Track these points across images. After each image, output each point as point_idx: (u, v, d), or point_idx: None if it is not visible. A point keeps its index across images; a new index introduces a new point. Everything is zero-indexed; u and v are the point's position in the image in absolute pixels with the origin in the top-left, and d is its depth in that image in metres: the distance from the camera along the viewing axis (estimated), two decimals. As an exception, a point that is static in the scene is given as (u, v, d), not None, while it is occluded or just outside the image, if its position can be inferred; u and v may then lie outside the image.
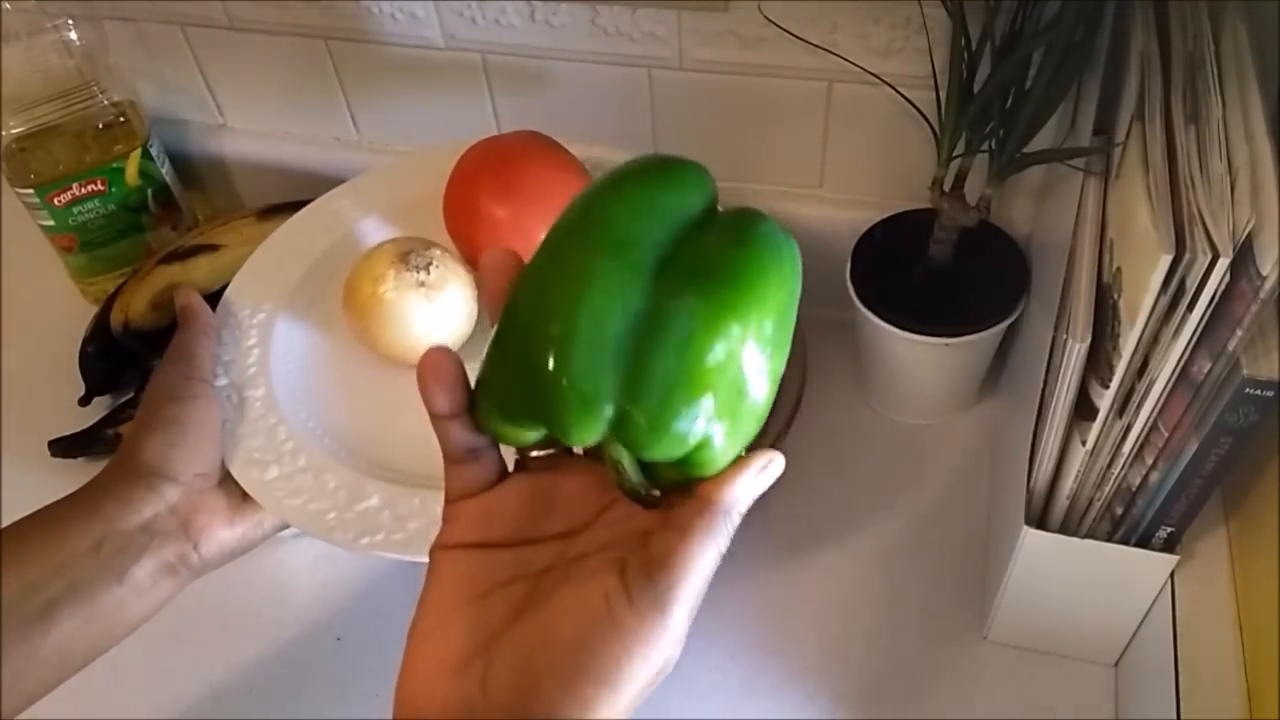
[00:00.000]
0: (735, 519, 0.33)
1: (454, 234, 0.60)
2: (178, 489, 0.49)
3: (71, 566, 0.46)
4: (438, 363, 0.34)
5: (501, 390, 0.33)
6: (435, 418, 0.35)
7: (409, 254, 0.56)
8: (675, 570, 0.32)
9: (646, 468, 0.33)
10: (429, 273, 0.55)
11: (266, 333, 0.59)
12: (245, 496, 0.52)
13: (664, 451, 0.32)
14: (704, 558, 0.33)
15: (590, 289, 0.31)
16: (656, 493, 0.34)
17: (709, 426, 0.31)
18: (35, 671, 0.45)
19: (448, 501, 0.36)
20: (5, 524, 0.48)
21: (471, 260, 0.59)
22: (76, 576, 0.46)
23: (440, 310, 0.56)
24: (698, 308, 0.31)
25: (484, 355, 0.34)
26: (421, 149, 0.69)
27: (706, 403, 0.31)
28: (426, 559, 0.44)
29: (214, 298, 0.72)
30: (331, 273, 0.60)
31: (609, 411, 0.31)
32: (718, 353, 0.31)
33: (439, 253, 0.57)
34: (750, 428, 0.33)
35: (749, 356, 0.31)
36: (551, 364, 0.30)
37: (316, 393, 0.58)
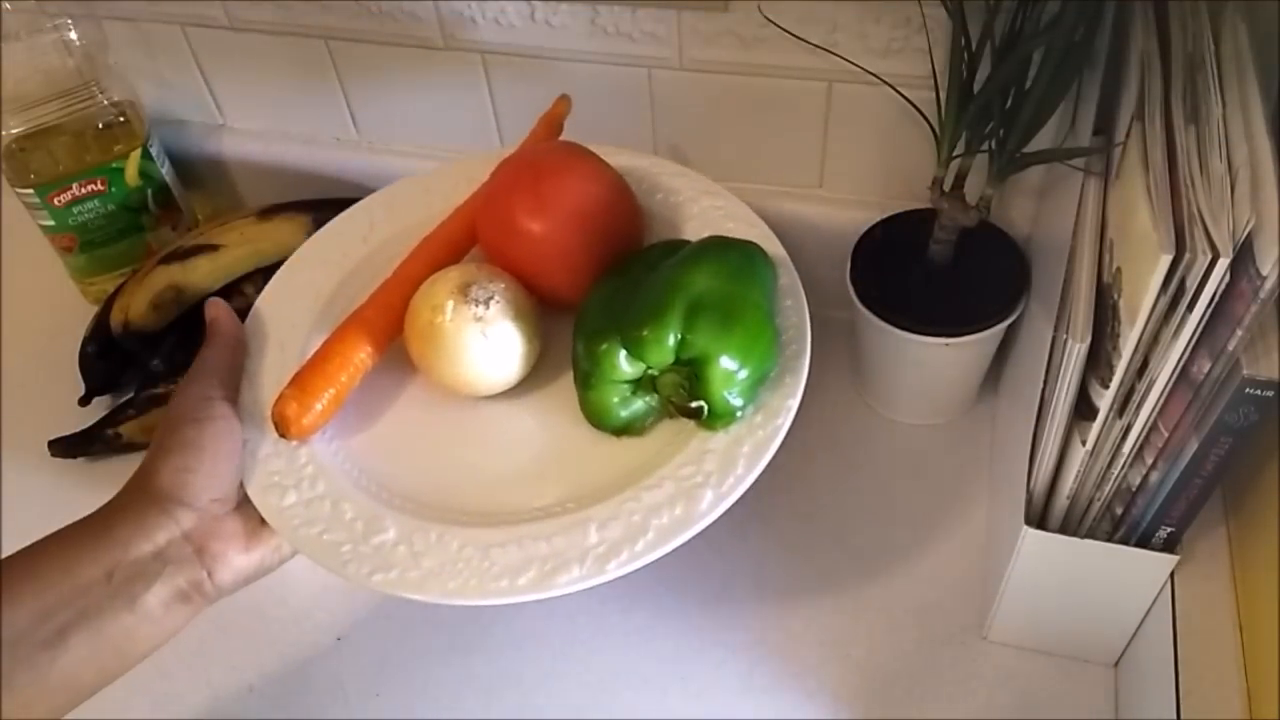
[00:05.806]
0: None
1: (487, 247, 0.58)
2: (193, 515, 0.48)
3: (82, 594, 0.45)
4: None
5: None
6: None
7: (471, 285, 0.53)
8: None
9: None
10: (487, 307, 0.53)
11: (296, 347, 0.57)
12: (262, 521, 0.50)
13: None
14: None
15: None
16: (699, 404, 0.49)
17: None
18: (42, 699, 0.44)
19: None
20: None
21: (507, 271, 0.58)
22: (87, 604, 0.45)
23: (495, 346, 0.53)
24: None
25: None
26: (458, 159, 0.67)
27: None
28: (440, 600, 0.47)
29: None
30: (365, 285, 0.58)
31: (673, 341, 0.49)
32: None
33: (503, 288, 0.54)
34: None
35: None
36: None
37: (342, 414, 0.55)
